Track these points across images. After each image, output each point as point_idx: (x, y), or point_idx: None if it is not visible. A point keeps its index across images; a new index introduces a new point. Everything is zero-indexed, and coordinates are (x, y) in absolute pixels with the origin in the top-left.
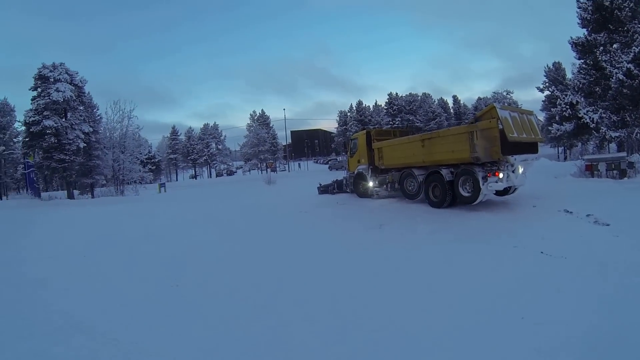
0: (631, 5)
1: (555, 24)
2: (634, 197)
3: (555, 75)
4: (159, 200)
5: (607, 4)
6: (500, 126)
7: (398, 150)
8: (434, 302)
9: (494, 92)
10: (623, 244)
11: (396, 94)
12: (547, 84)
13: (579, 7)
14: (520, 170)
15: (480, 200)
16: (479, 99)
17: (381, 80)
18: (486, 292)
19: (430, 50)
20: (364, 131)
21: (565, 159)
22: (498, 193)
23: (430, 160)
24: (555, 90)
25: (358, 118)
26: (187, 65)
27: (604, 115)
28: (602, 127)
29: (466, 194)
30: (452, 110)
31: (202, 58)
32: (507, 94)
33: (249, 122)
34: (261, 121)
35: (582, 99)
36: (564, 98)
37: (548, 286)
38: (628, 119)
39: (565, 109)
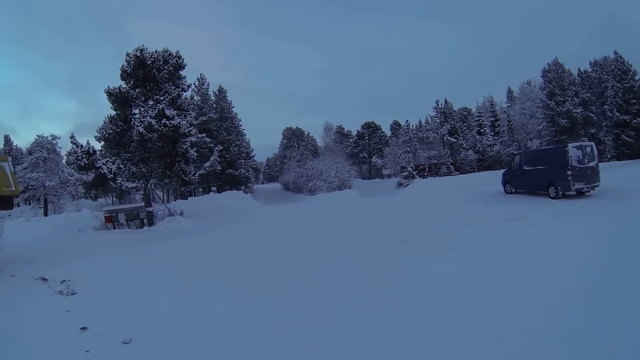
0: (170, 69)
1: None
2: (140, 250)
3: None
4: None
5: (149, 62)
6: None
7: None
8: None
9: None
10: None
11: None
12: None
13: (126, 61)
14: None
15: None
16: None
17: None
18: None
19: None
20: None
21: None
22: None
23: None
24: (74, 139)
25: None
26: None
27: (123, 166)
28: (118, 178)
29: None
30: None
31: None
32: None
33: None
34: None
35: (108, 149)
36: (81, 147)
37: None
38: (144, 170)
39: (81, 157)
